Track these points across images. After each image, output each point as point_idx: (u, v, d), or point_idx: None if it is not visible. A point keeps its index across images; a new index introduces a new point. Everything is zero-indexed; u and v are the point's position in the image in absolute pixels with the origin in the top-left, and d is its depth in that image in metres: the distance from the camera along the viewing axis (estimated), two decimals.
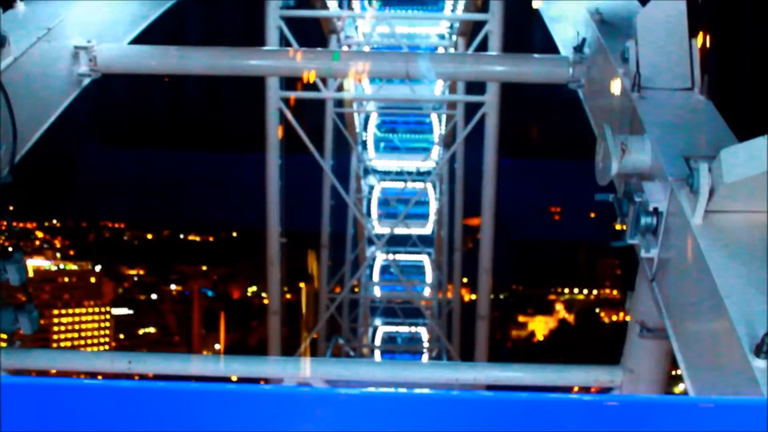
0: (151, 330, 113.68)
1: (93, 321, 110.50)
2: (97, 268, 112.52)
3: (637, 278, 6.03)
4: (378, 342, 39.83)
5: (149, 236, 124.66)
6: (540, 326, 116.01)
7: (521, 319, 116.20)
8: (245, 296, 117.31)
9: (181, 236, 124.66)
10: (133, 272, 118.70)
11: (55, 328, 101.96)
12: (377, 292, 37.65)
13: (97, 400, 2.26)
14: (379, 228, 33.34)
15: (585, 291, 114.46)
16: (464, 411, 2.20)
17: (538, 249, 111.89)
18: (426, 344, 36.19)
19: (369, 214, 36.92)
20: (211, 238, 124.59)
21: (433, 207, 36.13)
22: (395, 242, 31.57)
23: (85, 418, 2.23)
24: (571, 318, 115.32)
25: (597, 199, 5.54)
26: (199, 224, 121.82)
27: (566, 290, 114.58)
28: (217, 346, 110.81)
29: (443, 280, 31.31)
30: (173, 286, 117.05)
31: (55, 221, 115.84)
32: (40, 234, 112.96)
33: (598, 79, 6.94)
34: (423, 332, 37.72)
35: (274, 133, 18.55)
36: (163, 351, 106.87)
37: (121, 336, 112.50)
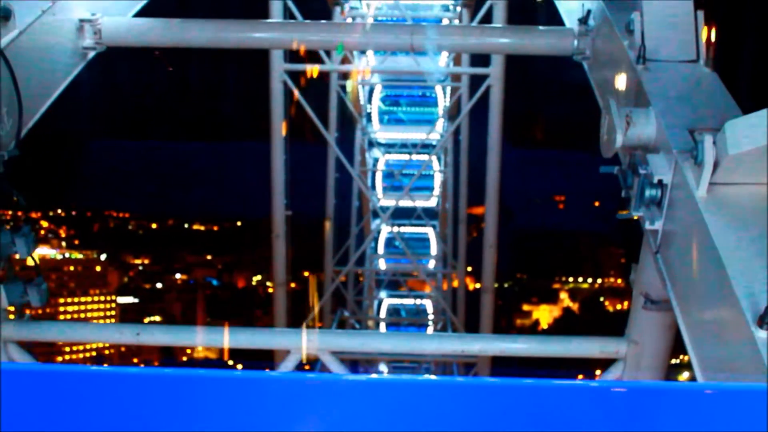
0: (157, 318, 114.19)
1: (99, 309, 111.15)
2: (103, 257, 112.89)
3: (641, 250, 6.05)
4: (383, 314, 39.97)
5: (154, 226, 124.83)
6: (545, 315, 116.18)
7: (526, 307, 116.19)
8: (250, 285, 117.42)
9: (186, 225, 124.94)
10: (138, 261, 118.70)
11: (61, 317, 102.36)
12: (382, 264, 37.73)
13: (98, 387, 2.22)
14: (384, 201, 33.38)
15: (589, 280, 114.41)
16: (469, 398, 2.20)
17: (542, 238, 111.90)
18: (431, 317, 36.32)
19: (374, 186, 36.94)
20: (215, 228, 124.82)
21: (437, 180, 36.12)
22: (400, 215, 31.60)
23: (85, 405, 2.21)
24: (575, 307, 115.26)
25: (602, 171, 5.56)
26: (203, 214, 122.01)
27: (570, 279, 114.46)
28: None
29: (448, 253, 31.35)
30: (178, 275, 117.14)
31: (59, 211, 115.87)
32: (45, 224, 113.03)
33: (603, 51, 6.92)
34: (428, 305, 37.85)
35: (279, 105, 18.54)
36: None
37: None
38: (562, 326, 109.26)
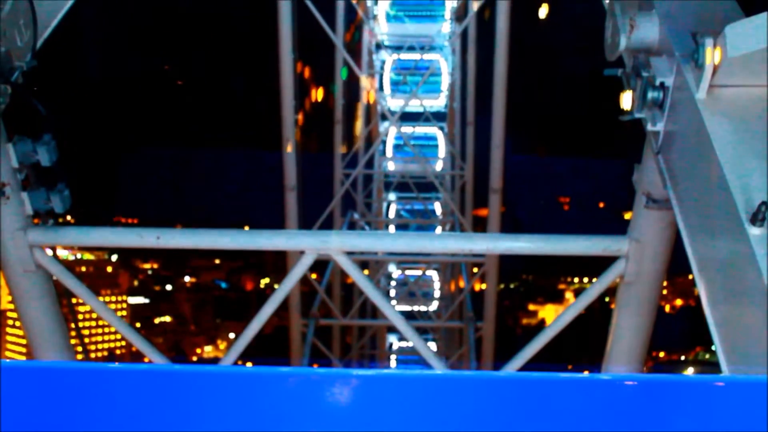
0: (167, 319, 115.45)
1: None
2: (114, 257, 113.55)
3: (643, 151, 6.21)
4: (392, 216, 40.34)
5: None
6: (550, 314, 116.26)
7: (531, 307, 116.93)
8: (258, 288, 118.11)
9: None
10: (147, 266, 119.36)
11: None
12: (391, 166, 37.88)
13: (101, 384, 2.11)
14: (392, 102, 33.33)
15: (594, 280, 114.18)
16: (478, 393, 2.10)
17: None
18: (440, 218, 36.67)
19: (381, 89, 36.82)
20: None
21: (445, 80, 35.97)
22: (408, 118, 31.62)
23: (88, 403, 2.10)
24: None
25: (606, 74, 5.68)
26: (211, 219, 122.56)
27: (576, 279, 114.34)
28: (231, 335, 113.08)
29: (456, 154, 31.46)
30: (187, 278, 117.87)
31: (68, 217, 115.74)
32: None
33: None
34: (437, 206, 38.16)
35: (287, 14, 18.30)
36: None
37: (138, 324, 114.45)
38: (568, 325, 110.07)
